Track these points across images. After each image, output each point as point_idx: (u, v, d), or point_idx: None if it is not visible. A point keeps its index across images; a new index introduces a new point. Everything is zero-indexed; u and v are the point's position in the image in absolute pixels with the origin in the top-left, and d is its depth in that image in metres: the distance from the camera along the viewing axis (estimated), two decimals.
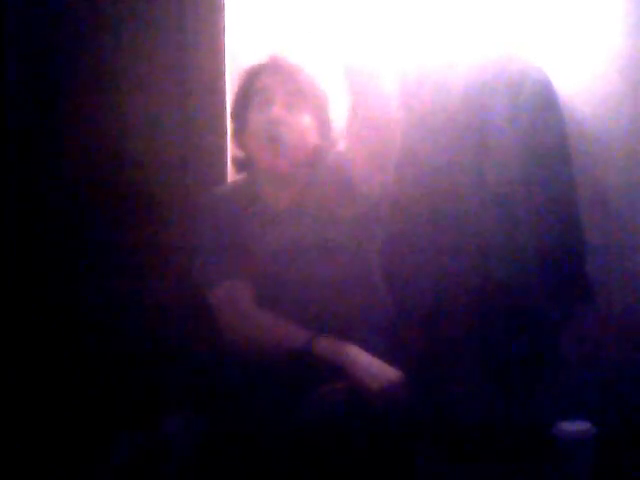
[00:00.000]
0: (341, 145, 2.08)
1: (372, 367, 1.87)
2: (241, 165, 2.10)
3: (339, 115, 2.08)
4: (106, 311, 2.30)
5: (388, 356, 1.94)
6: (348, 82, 2.02)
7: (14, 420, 2.23)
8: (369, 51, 2.29)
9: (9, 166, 2.31)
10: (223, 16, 2.31)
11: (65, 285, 2.32)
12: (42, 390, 2.27)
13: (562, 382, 2.12)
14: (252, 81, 2.04)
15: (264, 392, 1.86)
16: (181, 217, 2.30)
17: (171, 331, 2.26)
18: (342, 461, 1.78)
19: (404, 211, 2.01)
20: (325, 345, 1.91)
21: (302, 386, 1.84)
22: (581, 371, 2.14)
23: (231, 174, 2.29)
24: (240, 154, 2.10)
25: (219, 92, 2.30)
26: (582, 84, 2.17)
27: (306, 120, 2.00)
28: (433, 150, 2.11)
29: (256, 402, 1.84)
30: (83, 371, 2.28)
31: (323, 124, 2.03)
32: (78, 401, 2.26)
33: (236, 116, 2.08)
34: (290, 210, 2.02)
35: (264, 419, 1.82)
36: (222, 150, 2.30)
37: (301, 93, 1.99)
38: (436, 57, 2.19)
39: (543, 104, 2.10)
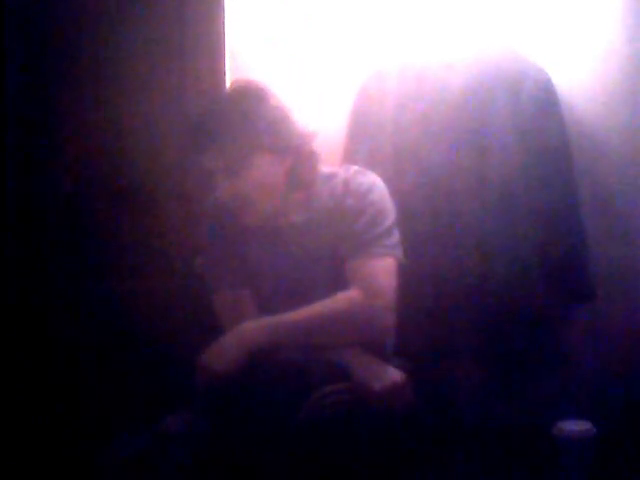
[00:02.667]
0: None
1: (373, 368, 1.87)
2: None
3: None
4: (107, 312, 2.30)
5: (389, 357, 1.94)
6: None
7: (15, 420, 2.23)
8: (369, 51, 2.30)
9: (8, 164, 2.31)
10: (223, 16, 2.31)
11: (67, 286, 2.32)
12: (43, 390, 2.28)
13: (562, 382, 2.12)
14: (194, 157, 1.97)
15: (265, 393, 1.85)
16: (180, 218, 2.30)
17: (172, 331, 2.26)
18: (343, 462, 1.77)
19: (404, 211, 2.01)
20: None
21: (303, 387, 1.84)
22: (581, 371, 2.14)
23: None
24: None
25: (219, 92, 2.30)
26: (582, 84, 2.17)
27: (253, 178, 1.90)
28: (433, 150, 2.11)
29: (257, 403, 1.84)
30: (84, 371, 2.29)
31: (289, 170, 1.94)
32: (79, 401, 2.26)
33: None
34: (297, 221, 1.99)
35: (265, 420, 1.82)
36: None
37: (239, 155, 1.89)
38: (436, 57, 2.19)
39: (543, 104, 2.10)
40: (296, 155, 1.94)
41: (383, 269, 1.91)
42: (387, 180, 1.98)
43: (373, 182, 1.97)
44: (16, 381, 2.27)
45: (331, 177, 1.99)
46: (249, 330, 1.87)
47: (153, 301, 2.29)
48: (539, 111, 2.09)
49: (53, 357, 2.30)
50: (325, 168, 2.01)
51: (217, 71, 2.32)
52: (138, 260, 2.33)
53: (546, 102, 2.11)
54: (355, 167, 2.01)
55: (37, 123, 2.33)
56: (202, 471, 1.84)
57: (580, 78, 2.18)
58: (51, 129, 2.33)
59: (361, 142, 2.22)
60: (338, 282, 1.91)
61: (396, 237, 1.94)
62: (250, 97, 1.93)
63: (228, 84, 2.32)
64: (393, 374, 1.86)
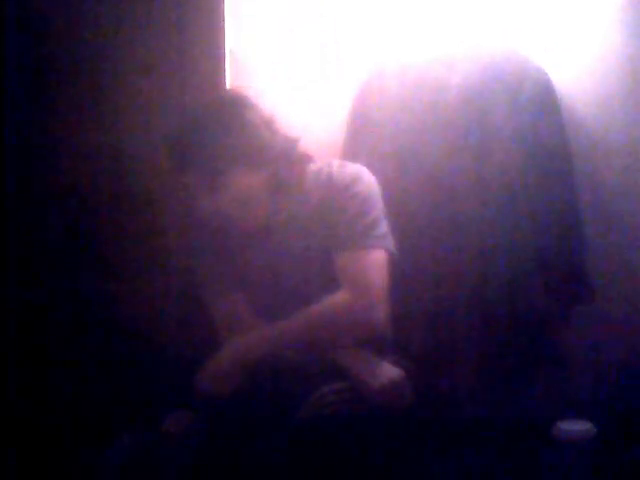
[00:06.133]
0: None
1: (372, 366, 1.87)
2: None
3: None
4: (106, 311, 2.30)
5: (388, 356, 1.94)
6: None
7: (14, 420, 2.23)
8: (368, 50, 2.30)
9: (8, 164, 2.31)
10: (223, 16, 2.31)
11: (65, 286, 2.32)
12: (42, 390, 2.28)
13: (562, 382, 2.12)
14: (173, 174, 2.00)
15: (264, 392, 1.86)
16: (179, 219, 2.30)
17: (171, 331, 2.26)
18: (343, 461, 1.78)
19: (404, 211, 2.01)
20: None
21: (303, 387, 1.84)
22: (581, 371, 2.14)
23: None
24: None
25: (219, 92, 2.30)
26: (582, 84, 2.18)
27: (232, 194, 1.90)
28: (433, 150, 2.11)
29: (256, 403, 1.84)
30: (83, 371, 2.29)
31: (271, 180, 1.94)
32: (78, 401, 2.26)
33: None
34: (285, 221, 1.99)
35: (264, 420, 1.82)
36: None
37: (215, 172, 1.89)
38: (436, 57, 2.19)
39: (543, 104, 2.11)
40: (279, 162, 1.93)
41: (372, 263, 1.89)
42: (386, 180, 1.98)
43: (356, 173, 1.96)
44: (16, 381, 2.27)
45: (317, 173, 1.98)
46: (241, 346, 1.89)
47: (153, 301, 2.29)
48: (539, 111, 2.09)
49: (53, 357, 2.30)
50: (311, 165, 2.00)
51: (217, 71, 2.32)
52: (138, 260, 2.33)
53: (546, 102, 2.11)
54: (337, 161, 2.01)
55: (37, 123, 2.33)
56: (202, 471, 1.85)
57: (580, 78, 2.18)
58: (51, 129, 2.33)
59: (361, 142, 2.22)
60: (331, 279, 1.91)
61: (385, 227, 1.92)
62: (224, 113, 1.92)
63: (228, 84, 2.32)
64: (391, 372, 1.86)
